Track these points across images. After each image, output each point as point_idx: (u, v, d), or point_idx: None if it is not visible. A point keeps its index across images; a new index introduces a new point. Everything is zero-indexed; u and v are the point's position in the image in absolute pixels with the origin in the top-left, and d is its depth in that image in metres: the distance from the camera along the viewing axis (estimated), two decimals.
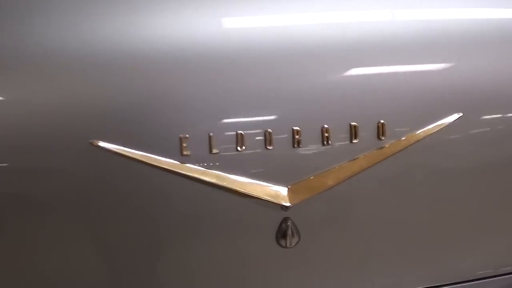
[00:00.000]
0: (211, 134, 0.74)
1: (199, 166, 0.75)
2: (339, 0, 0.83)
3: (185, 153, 0.74)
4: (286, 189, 0.77)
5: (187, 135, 0.74)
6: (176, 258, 0.79)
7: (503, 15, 0.87)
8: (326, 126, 0.76)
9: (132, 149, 0.73)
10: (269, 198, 0.76)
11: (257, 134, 0.75)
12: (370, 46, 0.79)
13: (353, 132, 0.77)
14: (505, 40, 0.84)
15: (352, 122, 0.77)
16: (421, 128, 0.79)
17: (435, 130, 0.80)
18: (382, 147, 0.78)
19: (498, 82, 0.83)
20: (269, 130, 0.75)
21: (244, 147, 0.75)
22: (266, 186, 0.77)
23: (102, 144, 0.72)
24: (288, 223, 0.79)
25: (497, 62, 0.83)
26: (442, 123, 0.80)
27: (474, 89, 0.82)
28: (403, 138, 0.79)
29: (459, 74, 0.82)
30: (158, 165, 0.74)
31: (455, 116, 0.81)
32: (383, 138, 0.78)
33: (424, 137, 0.79)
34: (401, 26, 0.82)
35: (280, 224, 0.79)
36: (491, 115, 0.83)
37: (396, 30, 0.81)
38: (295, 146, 0.76)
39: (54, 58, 0.72)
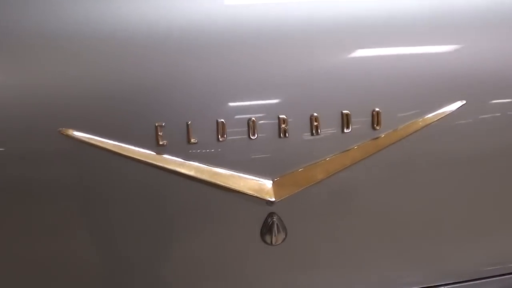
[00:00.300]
0: (189, 122, 0.68)
1: (176, 157, 0.69)
2: None
3: (161, 142, 0.68)
4: (271, 182, 0.71)
5: (163, 123, 0.68)
6: (152, 256, 0.73)
7: None
8: (315, 114, 0.70)
9: (103, 138, 0.67)
10: (252, 193, 0.70)
11: (240, 123, 0.69)
12: (364, 26, 0.72)
13: (345, 121, 0.71)
14: None
15: (344, 110, 0.71)
16: (420, 117, 0.73)
17: (435, 119, 0.73)
18: (377, 138, 0.72)
19: (505, 66, 0.75)
20: (252, 118, 0.69)
21: (225, 137, 0.69)
22: (250, 179, 0.71)
23: (72, 132, 0.66)
24: (274, 219, 0.73)
25: (504, 44, 0.76)
26: (444, 112, 0.73)
27: (479, 74, 0.75)
28: (399, 128, 0.72)
29: (462, 58, 0.75)
30: (132, 155, 0.68)
31: (458, 104, 0.74)
32: (378, 127, 0.72)
33: (424, 127, 0.73)
34: (398, 5, 0.74)
35: (265, 220, 0.73)
36: (497, 103, 0.76)
37: (393, 9, 0.74)
38: (281, 136, 0.70)
39: (23, 43, 0.67)
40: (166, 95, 0.68)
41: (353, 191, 0.74)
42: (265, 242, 0.74)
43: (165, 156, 0.69)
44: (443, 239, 0.80)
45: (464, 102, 0.74)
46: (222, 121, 0.68)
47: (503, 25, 0.76)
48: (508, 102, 0.76)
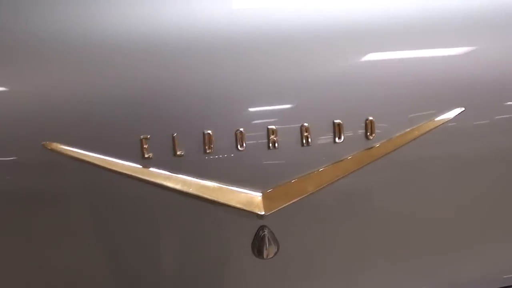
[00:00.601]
0: (174, 134, 0.66)
1: (162, 170, 0.67)
2: None
3: (146, 155, 0.66)
4: (261, 195, 0.69)
5: (149, 136, 0.66)
6: (140, 270, 0.71)
7: None
8: (306, 124, 0.67)
9: (88, 151, 0.65)
10: (241, 206, 0.68)
11: (227, 134, 0.67)
12: (355, 31, 0.69)
13: (337, 130, 0.68)
14: None
15: (336, 119, 0.68)
16: (415, 125, 0.70)
17: (432, 127, 0.70)
18: (371, 147, 0.69)
19: (505, 72, 0.72)
20: (240, 129, 0.66)
21: (212, 149, 0.66)
22: (238, 192, 0.68)
23: (56, 146, 0.65)
24: (265, 232, 0.71)
25: (504, 49, 0.72)
26: (441, 119, 0.70)
27: (479, 80, 0.71)
28: (394, 137, 0.69)
29: (460, 64, 0.71)
30: (117, 169, 0.66)
31: (456, 111, 0.71)
32: (371, 137, 0.69)
33: (420, 135, 0.70)
34: (391, 10, 0.71)
35: (256, 234, 0.71)
36: (497, 110, 0.72)
37: (386, 14, 0.71)
38: (271, 147, 0.67)
39: (4, 55, 0.66)
40: (150, 107, 0.66)
41: (347, 202, 0.72)
42: (257, 256, 0.71)
43: (151, 169, 0.67)
44: (443, 251, 0.77)
45: (463, 109, 0.71)
46: (209, 133, 0.66)
47: (502, 30, 0.73)
48: (508, 108, 0.73)
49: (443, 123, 0.70)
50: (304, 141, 0.68)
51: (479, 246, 0.79)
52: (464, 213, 0.76)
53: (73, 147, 0.65)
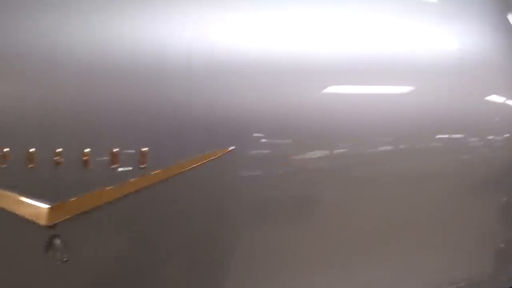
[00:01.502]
0: None
1: None
2: None
3: None
4: (47, 207, 0.79)
5: None
6: None
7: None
8: (87, 150, 0.77)
9: None
10: (28, 217, 0.79)
11: (19, 152, 0.78)
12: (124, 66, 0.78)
13: (114, 157, 0.77)
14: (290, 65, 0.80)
15: (113, 147, 0.77)
16: (186, 159, 0.78)
17: (201, 162, 0.78)
18: (141, 176, 0.78)
19: (277, 110, 0.78)
20: (31, 149, 0.78)
21: (6, 163, 0.78)
22: (28, 203, 0.79)
23: None
24: (53, 241, 0.81)
25: (268, 89, 0.79)
26: (209, 155, 0.78)
27: (250, 119, 0.78)
28: (165, 168, 0.78)
29: (229, 102, 0.78)
30: None
31: (226, 150, 0.78)
32: (143, 166, 0.78)
33: (189, 169, 0.78)
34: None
35: (46, 242, 0.81)
36: (268, 150, 0.79)
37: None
38: (56, 167, 0.78)
39: None
40: None
41: (125, 223, 0.81)
42: (48, 261, 0.82)
43: None
44: None
45: (234, 147, 0.78)
46: (4, 150, 0.78)
47: (268, 70, 0.79)
48: (273, 149, 0.79)
49: (212, 159, 0.78)
50: (84, 164, 0.78)
51: None
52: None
53: None
